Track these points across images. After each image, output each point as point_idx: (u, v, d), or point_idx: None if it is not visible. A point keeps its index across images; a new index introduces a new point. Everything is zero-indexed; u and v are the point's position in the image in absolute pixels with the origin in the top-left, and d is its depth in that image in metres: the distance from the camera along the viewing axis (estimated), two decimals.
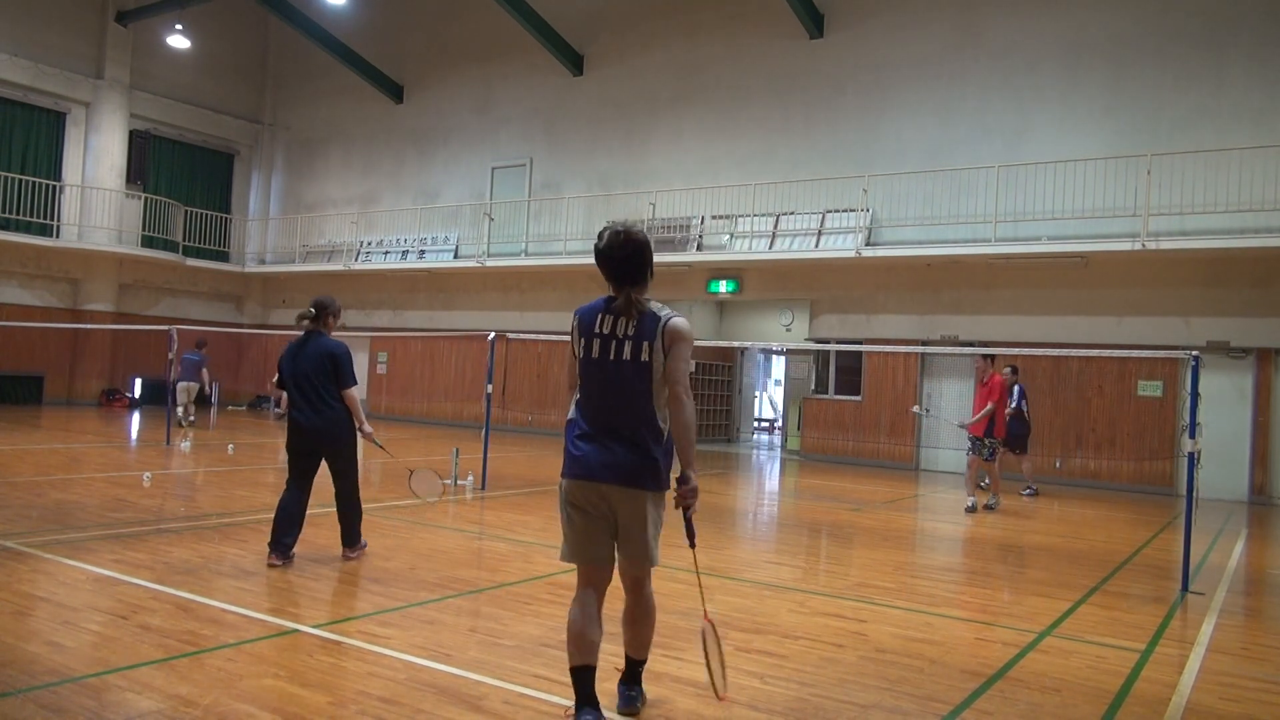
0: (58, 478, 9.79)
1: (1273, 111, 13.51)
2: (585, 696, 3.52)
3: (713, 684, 3.66)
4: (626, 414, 3.59)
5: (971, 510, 10.83)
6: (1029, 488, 12.82)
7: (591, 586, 3.65)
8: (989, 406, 10.88)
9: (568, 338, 3.75)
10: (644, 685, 3.92)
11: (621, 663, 3.89)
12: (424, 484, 7.91)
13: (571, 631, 3.58)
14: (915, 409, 11.78)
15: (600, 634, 3.61)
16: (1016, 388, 12.60)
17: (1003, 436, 11.37)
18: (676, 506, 3.61)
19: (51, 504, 8.04)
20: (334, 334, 6.51)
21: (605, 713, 3.60)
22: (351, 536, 6.55)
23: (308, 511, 6.41)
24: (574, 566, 3.72)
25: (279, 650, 4.37)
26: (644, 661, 3.84)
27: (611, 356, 3.57)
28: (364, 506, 6.73)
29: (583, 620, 3.57)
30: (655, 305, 3.66)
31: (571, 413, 3.72)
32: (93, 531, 6.95)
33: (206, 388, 17.67)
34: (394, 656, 4.35)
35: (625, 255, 3.59)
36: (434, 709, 3.73)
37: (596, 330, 3.61)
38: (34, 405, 20.65)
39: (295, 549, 6.31)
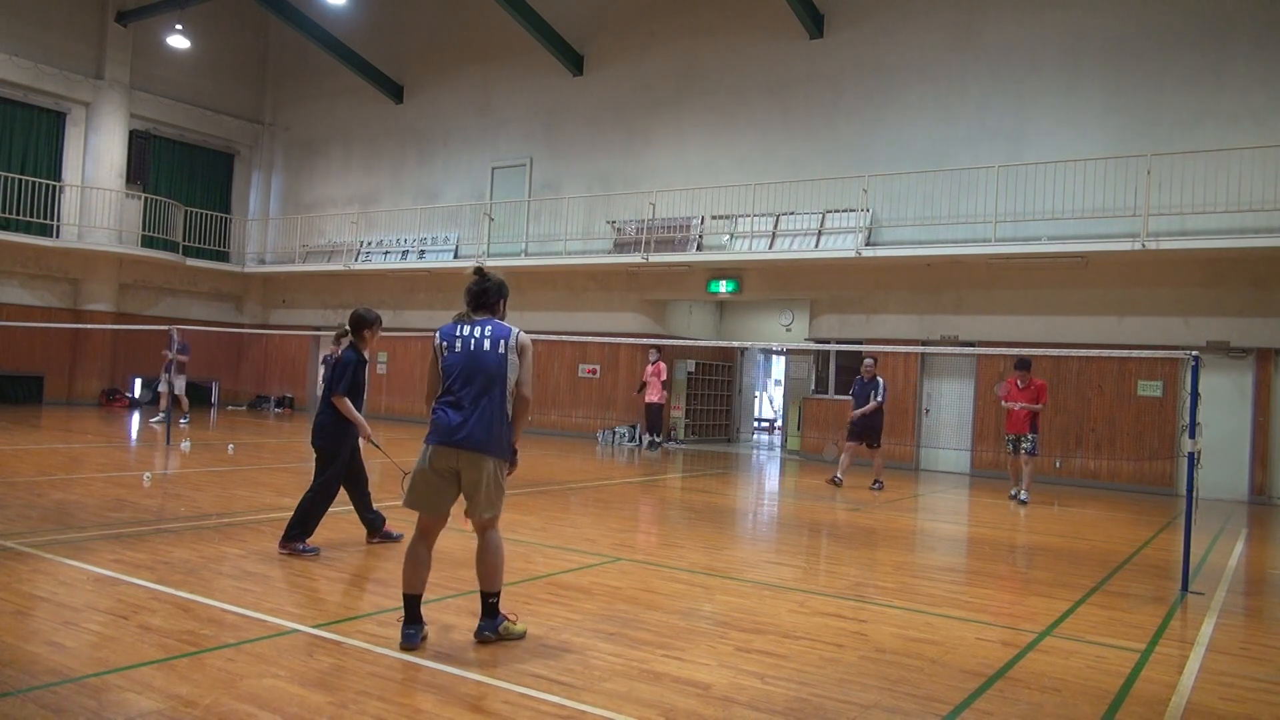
0: (58, 478, 9.79)
1: (1273, 111, 13.51)
2: (414, 616, 4.55)
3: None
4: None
5: (1016, 499, 11.97)
6: (878, 481, 12.73)
7: (429, 533, 4.62)
8: (1040, 405, 12.06)
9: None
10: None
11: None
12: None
13: (408, 568, 4.56)
14: (997, 388, 12.69)
15: (428, 571, 4.60)
16: (879, 381, 12.73)
17: (1040, 433, 12.41)
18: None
19: (51, 504, 8.04)
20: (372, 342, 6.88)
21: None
22: (290, 532, 6.50)
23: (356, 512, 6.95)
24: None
25: (279, 650, 4.37)
26: (496, 593, 4.66)
27: (473, 349, 4.58)
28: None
29: (419, 561, 4.56)
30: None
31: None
32: (93, 531, 6.95)
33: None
34: (394, 656, 4.34)
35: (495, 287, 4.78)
36: (434, 709, 3.73)
37: (458, 333, 4.63)
38: (34, 405, 20.64)
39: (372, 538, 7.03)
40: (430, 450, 4.56)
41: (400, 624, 4.54)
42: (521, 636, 4.71)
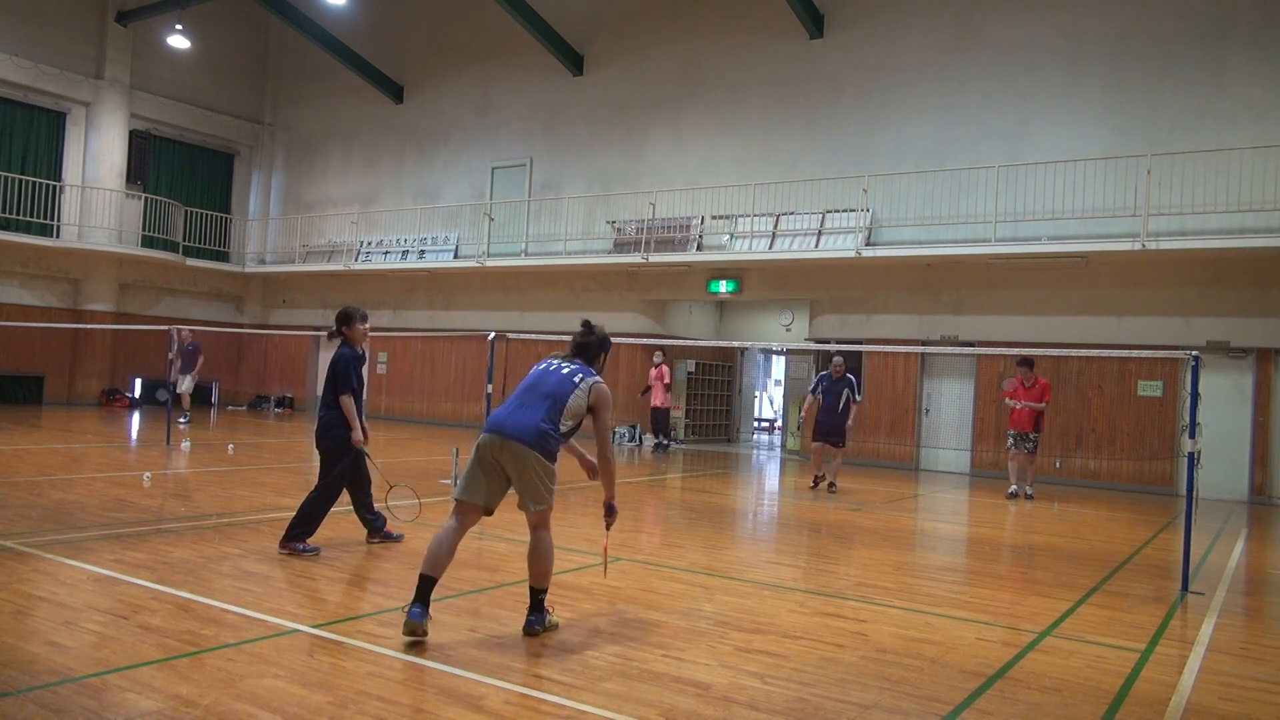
0: (58, 478, 9.79)
1: (1273, 110, 13.51)
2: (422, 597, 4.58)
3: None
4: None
5: (1014, 496, 12.31)
6: (821, 479, 12.33)
7: (463, 522, 4.76)
8: (1043, 404, 12.33)
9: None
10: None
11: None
12: (402, 502, 7.67)
13: (433, 548, 4.65)
14: (1005, 383, 12.80)
15: (450, 559, 4.67)
16: (851, 379, 12.31)
17: (1044, 432, 12.73)
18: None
19: (51, 504, 8.04)
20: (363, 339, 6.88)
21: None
22: (292, 532, 6.49)
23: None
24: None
25: (279, 650, 4.37)
26: (545, 590, 4.84)
27: (550, 370, 4.92)
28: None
29: (446, 545, 4.66)
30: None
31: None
32: (93, 531, 6.95)
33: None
34: (394, 656, 4.34)
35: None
36: (434, 709, 3.73)
37: (547, 359, 5.04)
38: (34, 405, 20.64)
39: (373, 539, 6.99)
40: (479, 440, 4.79)
41: (405, 608, 4.58)
42: (556, 627, 4.91)
